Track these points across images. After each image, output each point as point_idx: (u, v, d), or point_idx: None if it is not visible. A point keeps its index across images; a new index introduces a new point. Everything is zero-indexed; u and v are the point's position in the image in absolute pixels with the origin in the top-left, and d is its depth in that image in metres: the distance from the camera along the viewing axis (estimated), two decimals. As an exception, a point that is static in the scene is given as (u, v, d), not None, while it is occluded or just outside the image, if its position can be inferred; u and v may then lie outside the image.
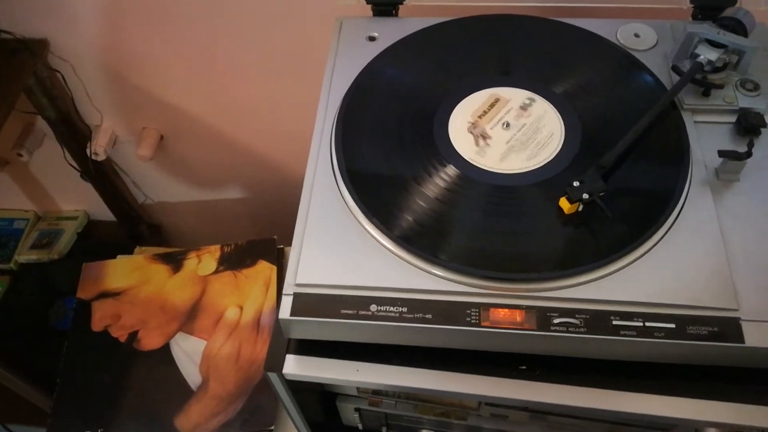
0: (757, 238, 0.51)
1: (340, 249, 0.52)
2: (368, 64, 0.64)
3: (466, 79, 0.62)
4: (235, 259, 0.97)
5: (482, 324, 0.48)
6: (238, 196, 1.32)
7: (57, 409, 0.86)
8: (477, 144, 0.56)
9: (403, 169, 0.56)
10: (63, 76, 1.05)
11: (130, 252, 1.05)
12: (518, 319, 0.49)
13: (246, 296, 0.93)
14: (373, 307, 0.49)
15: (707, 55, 0.59)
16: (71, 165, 1.19)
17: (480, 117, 0.58)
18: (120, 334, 0.91)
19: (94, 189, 1.26)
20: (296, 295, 0.50)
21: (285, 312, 0.49)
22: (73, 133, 1.14)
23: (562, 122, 0.58)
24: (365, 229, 0.53)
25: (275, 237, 0.98)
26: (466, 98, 0.61)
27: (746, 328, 0.47)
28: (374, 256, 0.51)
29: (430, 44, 0.66)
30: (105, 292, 0.95)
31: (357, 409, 0.71)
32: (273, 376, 0.53)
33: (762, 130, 0.56)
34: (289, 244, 0.98)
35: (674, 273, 0.49)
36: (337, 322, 0.49)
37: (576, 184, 0.51)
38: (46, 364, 1.06)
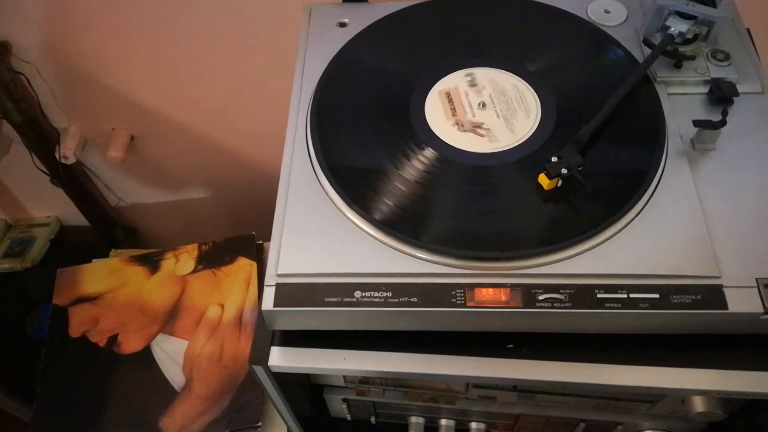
0: (735, 205, 0.51)
1: (321, 237, 0.51)
2: (340, 50, 0.63)
3: (439, 61, 0.62)
4: (213, 258, 0.96)
5: (468, 304, 0.48)
6: (214, 194, 1.30)
7: (38, 419, 0.84)
8: (481, 137, 0.56)
9: (381, 154, 0.55)
10: (27, 79, 1.02)
11: (105, 257, 1.03)
12: (503, 297, 0.48)
13: (226, 294, 0.92)
14: (358, 294, 0.49)
15: (678, 27, 0.59)
16: (40, 170, 1.16)
17: (454, 115, 0.58)
18: (99, 338, 0.89)
19: (65, 194, 1.23)
20: (278, 286, 0.49)
21: (268, 303, 0.49)
22: (41, 137, 1.11)
23: (538, 100, 0.58)
24: (345, 215, 0.52)
25: (254, 233, 0.97)
26: (441, 80, 0.60)
27: (729, 294, 0.47)
28: (356, 242, 0.51)
29: (402, 28, 0.65)
30: (81, 297, 0.93)
31: (345, 400, 0.71)
32: (258, 369, 0.52)
33: (734, 99, 0.57)
34: (269, 239, 0.98)
35: (656, 244, 0.49)
36: (322, 311, 0.48)
37: (554, 159, 0.51)
38: (25, 374, 1.03)
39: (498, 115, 0.57)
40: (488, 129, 0.56)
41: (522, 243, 0.49)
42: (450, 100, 0.58)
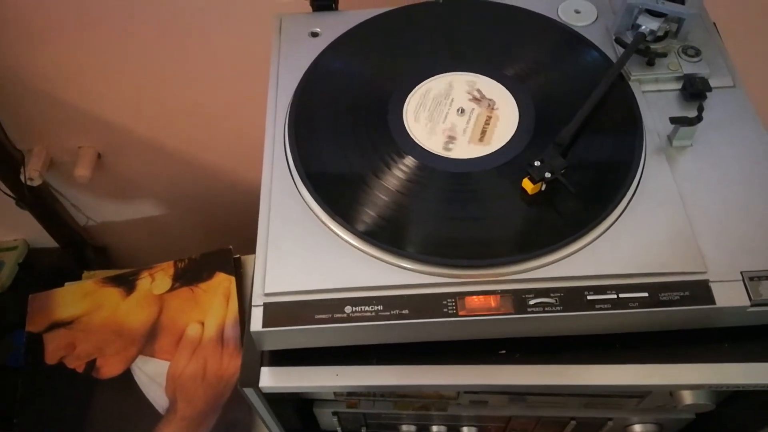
0: (716, 199, 0.52)
1: (307, 252, 0.50)
2: (314, 60, 0.62)
3: (414, 67, 0.61)
4: (190, 274, 0.94)
5: (459, 313, 0.48)
6: (188, 207, 1.28)
7: (17, 450, 0.81)
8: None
9: (362, 164, 0.55)
10: (-14, 101, 0.99)
11: (77, 278, 1.01)
12: (494, 304, 0.48)
13: (206, 311, 0.90)
14: (348, 309, 0.48)
15: (648, 24, 0.60)
16: (5, 193, 1.12)
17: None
18: (77, 364, 0.87)
19: (32, 216, 1.19)
20: (266, 306, 0.48)
21: (257, 324, 0.48)
22: (4, 160, 1.07)
23: (516, 103, 0.58)
24: (330, 229, 0.51)
25: (231, 247, 0.96)
26: (417, 86, 0.60)
27: (715, 288, 0.48)
28: (343, 256, 0.50)
29: (375, 35, 0.65)
30: (56, 323, 0.91)
31: (335, 413, 0.70)
32: (249, 392, 0.51)
33: (708, 93, 0.58)
34: (246, 252, 0.96)
35: (641, 242, 0.50)
36: (313, 329, 0.48)
37: (537, 163, 0.51)
38: (2, 404, 1.00)
39: (477, 121, 0.57)
40: (469, 135, 0.56)
41: (510, 249, 0.49)
42: (428, 108, 0.58)
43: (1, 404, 1.00)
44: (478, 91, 0.59)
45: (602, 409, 0.66)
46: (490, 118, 0.57)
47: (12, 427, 0.83)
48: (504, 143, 0.55)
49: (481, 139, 0.56)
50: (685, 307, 0.47)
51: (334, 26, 0.65)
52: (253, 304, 0.48)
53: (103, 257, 1.37)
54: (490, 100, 0.58)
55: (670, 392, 0.59)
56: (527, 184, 0.51)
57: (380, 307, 0.48)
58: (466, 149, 0.55)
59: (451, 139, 0.56)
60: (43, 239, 1.29)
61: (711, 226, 0.50)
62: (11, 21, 0.90)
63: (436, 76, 0.60)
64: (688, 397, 0.57)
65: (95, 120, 1.06)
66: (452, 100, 0.58)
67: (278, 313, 0.48)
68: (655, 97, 0.59)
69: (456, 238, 0.50)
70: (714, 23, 0.64)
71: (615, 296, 0.48)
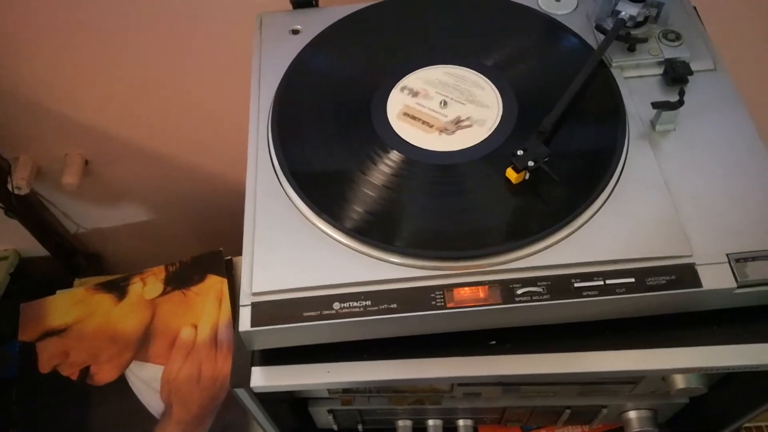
0: (700, 182, 0.52)
1: (294, 251, 0.50)
2: (295, 58, 0.62)
3: (396, 61, 0.61)
4: (182, 278, 0.93)
5: (448, 305, 0.48)
6: (177, 211, 1.27)
7: (14, 461, 0.81)
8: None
9: (346, 160, 0.55)
10: (-31, 111, 0.99)
11: (69, 286, 1.00)
12: (482, 295, 0.48)
13: (199, 314, 0.90)
14: (336, 305, 0.48)
15: (628, 10, 0.60)
16: (-8, 203, 1.12)
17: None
18: (71, 372, 0.87)
19: (22, 225, 1.19)
20: (254, 305, 0.48)
21: (245, 324, 0.47)
22: (-10, 169, 1.07)
23: (498, 93, 0.58)
24: (316, 226, 0.51)
25: (221, 249, 0.95)
26: (400, 80, 0.60)
27: (702, 271, 0.48)
28: (330, 253, 0.50)
29: (356, 31, 0.65)
30: (49, 331, 0.90)
31: (330, 411, 0.70)
32: (241, 392, 0.51)
33: (689, 77, 0.58)
34: (238, 254, 0.96)
35: (626, 228, 0.50)
36: (301, 326, 0.47)
37: (520, 152, 0.51)
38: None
39: (459, 112, 0.57)
40: (453, 126, 0.56)
41: (495, 239, 0.49)
42: (413, 100, 0.58)
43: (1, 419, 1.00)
44: (459, 82, 0.59)
45: (596, 397, 0.66)
46: (473, 108, 0.57)
47: (8, 437, 0.83)
48: (488, 134, 0.55)
49: (467, 128, 0.55)
50: (672, 291, 0.47)
51: (314, 23, 0.65)
52: (240, 304, 0.48)
53: (95, 264, 1.36)
54: (471, 91, 0.58)
55: (663, 377, 0.59)
56: (511, 174, 0.51)
57: (368, 303, 0.48)
58: (453, 140, 0.55)
59: (438, 131, 0.56)
60: (34, 248, 1.28)
61: (696, 210, 0.50)
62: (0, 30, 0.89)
63: (417, 71, 0.60)
64: (680, 382, 0.57)
65: (81, 127, 1.05)
66: (435, 93, 0.58)
67: (266, 312, 0.48)
68: (636, 82, 0.59)
69: (441, 230, 0.50)
70: (694, 7, 0.65)
71: (602, 283, 0.48)
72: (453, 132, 0.55)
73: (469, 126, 0.56)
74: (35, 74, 0.96)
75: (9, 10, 0.87)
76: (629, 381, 0.62)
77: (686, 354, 0.51)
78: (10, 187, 1.07)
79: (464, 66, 0.60)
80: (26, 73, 0.96)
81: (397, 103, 0.58)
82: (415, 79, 0.60)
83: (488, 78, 0.59)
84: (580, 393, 0.65)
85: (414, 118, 0.57)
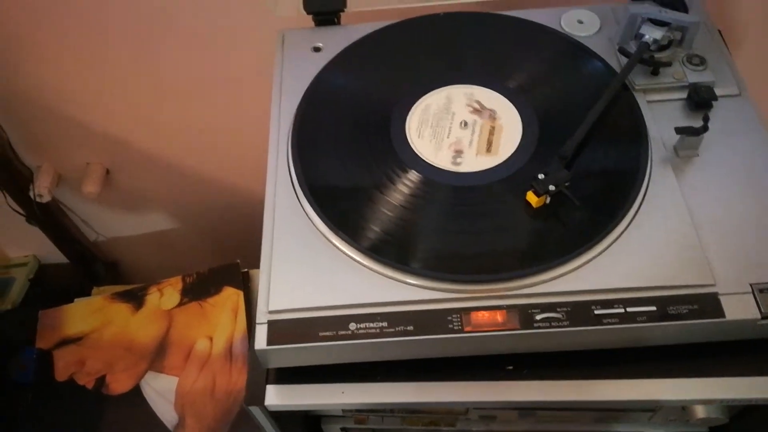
0: (724, 210, 0.51)
1: (311, 269, 0.50)
2: (317, 75, 0.62)
3: (417, 81, 0.61)
4: (198, 289, 0.94)
5: (465, 329, 0.47)
6: (195, 222, 1.28)
7: (27, 468, 0.81)
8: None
9: (365, 179, 0.55)
10: (-5, 119, 1.00)
11: (87, 294, 1.01)
12: (500, 319, 0.48)
13: (215, 326, 0.90)
14: (353, 326, 0.48)
15: (652, 34, 0.59)
16: (15, 210, 1.13)
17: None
18: (86, 381, 0.87)
19: (42, 232, 1.20)
20: (271, 323, 0.48)
21: (261, 342, 0.47)
22: (13, 177, 1.08)
23: (519, 115, 0.58)
24: (334, 245, 0.51)
25: (238, 261, 0.96)
26: (420, 99, 0.60)
27: (725, 301, 0.47)
28: (347, 273, 0.50)
29: (377, 49, 0.65)
30: (66, 339, 0.91)
31: (343, 429, 0.70)
32: (255, 410, 0.51)
33: (713, 102, 0.57)
34: (254, 266, 0.96)
35: (648, 255, 0.49)
36: (317, 346, 0.47)
37: (541, 176, 0.51)
38: (10, 420, 1.00)
39: (480, 133, 0.57)
40: (476, 147, 0.56)
41: (515, 263, 0.49)
42: (431, 123, 0.58)
43: (10, 421, 1.00)
44: (478, 102, 0.59)
45: (613, 424, 0.65)
46: (493, 128, 0.57)
47: (22, 444, 0.83)
48: (508, 156, 0.55)
49: (488, 150, 0.55)
50: (694, 320, 0.47)
51: (336, 41, 0.65)
52: (257, 321, 0.48)
53: (113, 272, 1.37)
54: (491, 110, 0.58)
55: (683, 406, 0.58)
56: (531, 198, 0.51)
57: (385, 324, 0.48)
58: (474, 162, 0.55)
59: (459, 153, 0.55)
60: (54, 255, 1.30)
61: (719, 238, 0.50)
62: (22, 38, 0.91)
63: (438, 89, 0.60)
64: (700, 411, 0.56)
65: (103, 136, 1.07)
66: (453, 114, 0.58)
67: (283, 330, 0.48)
68: (660, 106, 0.58)
69: (460, 252, 0.50)
70: (719, 30, 0.64)
71: (623, 310, 0.47)
72: (473, 153, 0.55)
73: (490, 147, 0.56)
74: (59, 84, 0.98)
75: (33, 18, 0.88)
76: (648, 409, 0.61)
77: (706, 385, 0.50)
78: (32, 194, 1.09)
79: (486, 87, 0.60)
80: (50, 82, 0.97)
81: (416, 122, 0.58)
82: (435, 98, 0.60)
83: (509, 99, 0.59)
84: (598, 419, 0.64)
85: (434, 138, 0.57)
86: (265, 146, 0.59)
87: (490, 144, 0.56)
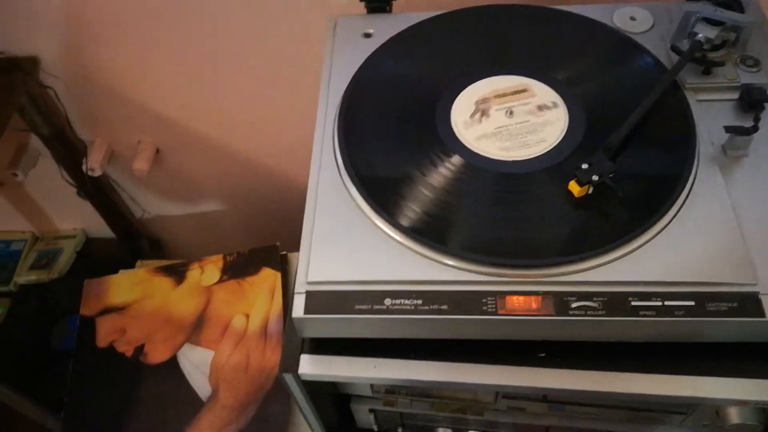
0: (770, 211, 0.50)
1: (350, 245, 0.51)
2: (366, 59, 0.63)
3: (464, 69, 0.62)
4: (238, 268, 0.96)
5: (499, 312, 0.48)
6: (237, 205, 1.31)
7: (66, 427, 0.84)
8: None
9: (408, 162, 0.56)
10: (56, 93, 1.04)
11: (131, 267, 1.04)
12: (535, 305, 0.48)
13: (251, 304, 0.92)
14: (388, 301, 0.49)
15: (705, 33, 0.59)
16: (68, 182, 1.18)
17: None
18: (126, 349, 0.90)
19: (92, 205, 1.25)
20: (309, 293, 0.49)
21: (298, 311, 0.49)
22: (68, 150, 1.13)
23: (566, 107, 0.58)
24: (374, 223, 0.52)
25: (278, 244, 0.98)
26: (467, 88, 0.60)
27: (766, 301, 0.46)
28: (385, 250, 0.51)
29: (427, 37, 0.66)
30: (108, 308, 0.94)
31: (372, 410, 0.70)
32: (288, 377, 0.52)
33: (766, 104, 0.56)
34: (292, 250, 0.98)
35: (690, 250, 0.49)
36: (352, 318, 0.48)
37: (585, 166, 0.51)
38: (51, 385, 1.05)
39: (526, 123, 0.57)
40: (479, 123, 0.56)
41: (553, 250, 0.49)
42: (478, 108, 0.58)
43: (50, 384, 1.04)
44: (527, 93, 0.59)
45: (644, 425, 0.65)
46: (539, 117, 0.57)
47: (60, 405, 0.86)
48: (552, 146, 0.55)
49: (538, 135, 0.56)
50: (733, 318, 0.46)
51: (387, 28, 0.67)
52: (296, 291, 0.49)
53: (156, 249, 1.41)
54: (536, 100, 0.58)
55: (717, 410, 0.57)
56: (574, 187, 0.51)
57: (420, 301, 0.48)
58: (521, 150, 0.55)
59: (501, 139, 0.56)
60: (101, 229, 1.34)
61: (764, 238, 0.49)
62: (89, 20, 0.94)
63: (485, 79, 0.61)
64: (734, 416, 0.56)
65: (156, 117, 1.10)
66: (501, 102, 0.59)
67: (320, 301, 0.49)
68: (710, 106, 0.58)
69: (499, 237, 0.50)
70: (776, 33, 0.63)
71: (660, 303, 0.47)
72: (518, 141, 0.56)
73: (534, 136, 0.56)
74: (120, 64, 1.01)
75: (103, 4, 0.91)
76: (680, 411, 0.60)
77: (742, 385, 0.49)
78: (84, 168, 1.13)
79: (534, 78, 0.60)
80: (111, 63, 1.01)
81: (462, 108, 0.59)
82: (482, 86, 0.60)
83: (557, 91, 0.59)
84: (628, 418, 0.64)
85: (479, 124, 0.57)
86: (309, 134, 0.60)
87: (535, 133, 0.56)
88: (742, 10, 0.60)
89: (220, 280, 0.95)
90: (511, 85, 0.60)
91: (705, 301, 0.47)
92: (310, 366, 0.52)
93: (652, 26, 0.64)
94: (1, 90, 0.97)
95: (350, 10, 0.70)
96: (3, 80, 0.97)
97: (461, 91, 0.60)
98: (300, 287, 0.50)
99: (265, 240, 0.99)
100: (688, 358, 0.50)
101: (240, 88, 1.04)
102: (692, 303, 0.46)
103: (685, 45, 0.60)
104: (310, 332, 0.51)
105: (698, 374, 0.50)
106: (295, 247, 0.53)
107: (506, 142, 0.56)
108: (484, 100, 0.59)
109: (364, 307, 0.48)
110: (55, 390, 0.93)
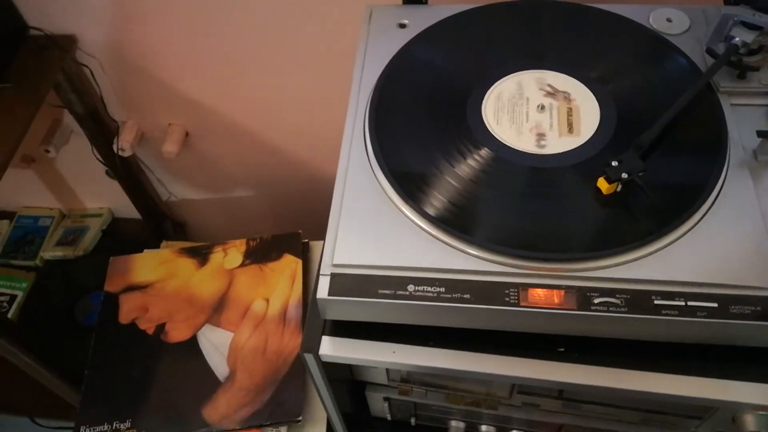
0: (800, 218, 0.50)
1: (376, 230, 0.52)
2: (400, 49, 0.64)
3: (498, 63, 0.62)
4: (260, 253, 0.97)
5: (521, 304, 0.48)
6: (262, 192, 1.32)
7: (85, 401, 0.86)
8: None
9: (437, 152, 0.56)
10: (91, 72, 1.06)
11: (155, 247, 1.06)
12: (557, 299, 0.48)
13: (272, 289, 0.93)
14: (411, 287, 0.49)
15: (742, 37, 0.58)
16: (98, 159, 1.20)
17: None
18: (147, 326, 0.92)
19: (120, 186, 1.27)
20: (333, 276, 0.50)
21: (323, 292, 0.49)
22: (100, 129, 1.15)
23: (598, 104, 0.58)
24: (401, 210, 0.53)
25: (300, 231, 0.99)
26: (500, 81, 0.60)
27: (791, 307, 0.46)
28: (410, 238, 0.51)
29: (461, 30, 0.66)
30: (132, 285, 0.96)
31: (386, 399, 0.71)
32: (309, 357, 0.53)
33: (800, 111, 0.56)
34: (314, 238, 0.99)
35: (715, 252, 0.48)
36: (375, 302, 0.49)
37: (614, 163, 0.51)
38: (74, 359, 1.07)
39: (557, 118, 0.57)
40: (557, 129, 0.56)
41: (578, 245, 0.49)
42: (509, 102, 0.59)
43: (73, 359, 1.06)
44: (550, 86, 0.59)
45: (658, 428, 0.64)
46: (571, 109, 0.57)
47: (82, 379, 0.88)
48: (582, 142, 0.55)
49: (570, 131, 0.56)
50: (756, 322, 0.46)
51: (422, 19, 0.67)
52: (321, 273, 0.50)
53: (180, 232, 1.43)
54: (564, 92, 0.58)
55: (732, 417, 0.57)
56: (602, 184, 0.51)
57: (442, 289, 0.49)
58: (543, 144, 0.55)
59: (541, 136, 0.56)
60: (127, 210, 1.36)
61: (792, 244, 0.49)
62: (123, 2, 0.96)
63: (518, 72, 0.61)
64: (750, 424, 0.55)
65: (187, 100, 1.12)
66: (533, 97, 0.59)
67: (344, 284, 0.50)
68: (743, 110, 0.57)
69: (524, 230, 0.51)
70: (815, 41, 0.62)
71: (683, 303, 0.47)
72: (548, 136, 0.56)
73: (565, 132, 0.56)
74: (154, 47, 1.03)
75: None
76: (696, 416, 0.60)
77: (761, 390, 0.49)
78: (115, 147, 1.15)
79: (567, 74, 0.60)
80: (146, 45, 1.03)
81: (493, 101, 0.59)
82: (514, 80, 0.60)
83: (590, 88, 0.59)
84: (643, 421, 0.63)
85: (509, 118, 0.57)
86: (338, 126, 0.61)
87: (571, 122, 0.56)
88: (781, 16, 0.60)
89: (243, 264, 0.96)
90: (545, 81, 0.60)
91: (729, 304, 0.46)
92: (330, 347, 0.53)
93: (689, 28, 0.64)
94: (38, 67, 0.99)
95: (386, 1, 0.71)
96: (41, 57, 0.99)
97: (494, 83, 0.60)
98: (325, 269, 0.50)
99: (288, 227, 1.00)
100: (709, 360, 0.50)
101: (271, 76, 1.05)
102: (715, 305, 0.46)
103: (720, 48, 0.60)
104: (333, 314, 0.52)
105: (719, 377, 0.50)
106: (317, 235, 0.54)
107: (536, 136, 0.56)
108: (516, 95, 0.59)
109: (387, 291, 0.49)
110: (77, 364, 0.95)
